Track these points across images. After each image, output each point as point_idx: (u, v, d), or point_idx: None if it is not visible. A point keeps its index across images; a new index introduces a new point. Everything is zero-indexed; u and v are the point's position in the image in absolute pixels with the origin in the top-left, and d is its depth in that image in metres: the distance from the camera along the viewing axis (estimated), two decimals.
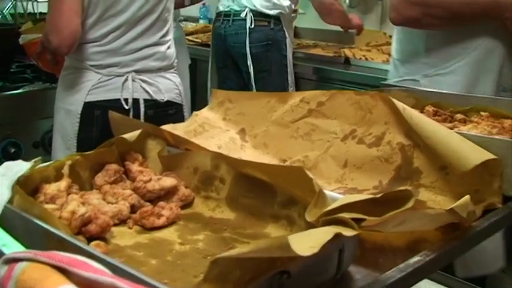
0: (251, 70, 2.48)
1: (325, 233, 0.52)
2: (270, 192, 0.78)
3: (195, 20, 3.73)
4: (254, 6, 2.48)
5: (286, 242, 0.46)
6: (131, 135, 0.89)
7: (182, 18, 3.59)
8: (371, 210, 0.63)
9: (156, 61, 1.76)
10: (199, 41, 2.96)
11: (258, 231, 0.77)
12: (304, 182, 0.69)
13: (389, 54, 2.64)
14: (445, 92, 1.26)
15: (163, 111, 1.79)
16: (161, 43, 1.79)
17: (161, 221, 0.78)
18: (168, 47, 1.81)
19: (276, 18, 2.49)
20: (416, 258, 0.69)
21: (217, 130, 1.11)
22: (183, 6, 2.63)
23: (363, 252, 0.76)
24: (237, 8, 2.52)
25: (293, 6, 2.56)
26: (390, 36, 2.88)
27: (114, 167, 0.86)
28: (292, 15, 2.61)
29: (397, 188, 0.92)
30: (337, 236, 0.53)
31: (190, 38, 3.01)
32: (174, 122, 1.13)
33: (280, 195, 0.77)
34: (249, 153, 1.05)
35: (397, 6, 1.58)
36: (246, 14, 2.48)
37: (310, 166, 0.99)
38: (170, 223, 0.79)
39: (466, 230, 0.76)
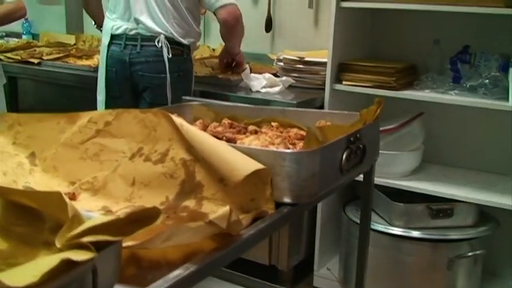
0: (170, 104, 2.16)
1: (52, 260, 0.52)
2: (40, 219, 0.76)
3: (18, 35, 3.55)
4: (170, 33, 2.21)
5: None
6: None
7: (4, 34, 3.42)
8: (124, 230, 0.64)
9: None
10: (19, 58, 2.82)
11: (30, 260, 0.76)
12: (62, 206, 0.69)
13: (212, 68, 2.72)
14: (240, 105, 1.33)
15: None
16: None
17: None
18: None
19: (188, 48, 2.28)
20: (176, 272, 0.71)
21: (4, 155, 1.06)
22: None
23: (138, 270, 0.78)
24: (146, 33, 2.21)
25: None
26: (213, 50, 2.98)
27: None
28: (198, 43, 2.45)
29: (183, 202, 0.96)
30: (66, 261, 0.53)
31: (9, 54, 2.85)
32: None
33: (48, 221, 0.76)
34: (38, 178, 1.03)
35: None
36: (160, 41, 2.19)
37: (99, 187, 0.99)
38: None
39: (233, 239, 0.81)
